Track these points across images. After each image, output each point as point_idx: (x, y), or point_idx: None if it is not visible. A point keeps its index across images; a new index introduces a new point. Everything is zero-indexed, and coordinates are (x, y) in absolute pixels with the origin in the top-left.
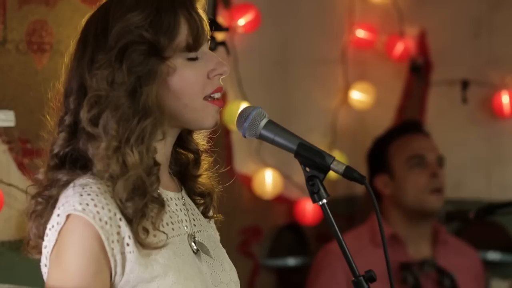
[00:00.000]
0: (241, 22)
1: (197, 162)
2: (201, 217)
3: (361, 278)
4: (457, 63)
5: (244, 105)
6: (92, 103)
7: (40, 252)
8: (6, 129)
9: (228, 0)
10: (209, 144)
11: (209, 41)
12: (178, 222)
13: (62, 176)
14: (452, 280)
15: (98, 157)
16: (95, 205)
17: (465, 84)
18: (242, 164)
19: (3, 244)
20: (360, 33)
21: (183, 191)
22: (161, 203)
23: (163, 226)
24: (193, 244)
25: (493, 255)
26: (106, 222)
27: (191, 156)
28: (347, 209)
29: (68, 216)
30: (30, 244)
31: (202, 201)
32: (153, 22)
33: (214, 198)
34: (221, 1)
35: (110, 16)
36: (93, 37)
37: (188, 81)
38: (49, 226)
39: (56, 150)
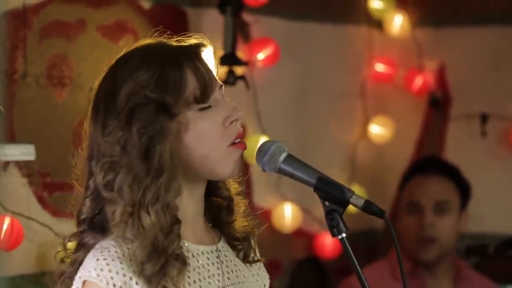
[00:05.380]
0: (261, 56)
1: (230, 209)
2: (240, 267)
3: None
4: (476, 97)
5: (263, 139)
6: (106, 168)
7: None
8: (26, 163)
9: (248, 34)
10: (242, 186)
11: (222, 87)
12: (208, 278)
13: (89, 240)
14: None
15: (114, 223)
16: (110, 270)
17: (484, 118)
18: (261, 197)
19: (23, 278)
20: (379, 67)
21: (221, 242)
22: (182, 261)
23: (189, 284)
24: None
25: None
26: (120, 287)
27: (224, 203)
28: (367, 242)
29: (84, 282)
30: None
31: (240, 246)
32: (159, 80)
33: (254, 241)
34: (241, 35)
35: (117, 78)
36: (103, 100)
37: (204, 133)
38: None
39: (83, 217)
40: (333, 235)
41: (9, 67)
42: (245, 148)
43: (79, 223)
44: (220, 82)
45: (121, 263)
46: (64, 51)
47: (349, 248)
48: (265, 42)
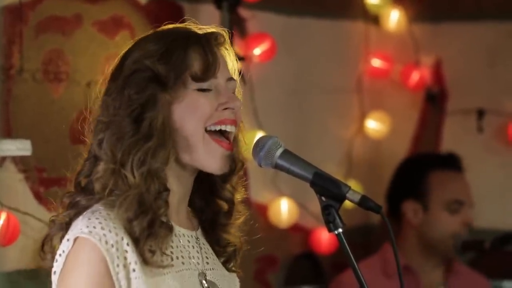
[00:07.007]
0: (257, 51)
1: (229, 212)
2: (215, 257)
3: None
4: (473, 92)
5: (260, 134)
6: (99, 128)
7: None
8: (23, 158)
9: (244, 30)
10: (246, 193)
11: (232, 81)
12: (189, 258)
13: (81, 200)
14: None
15: (96, 176)
16: (102, 228)
17: (480, 113)
18: (258, 193)
19: (19, 273)
20: (376, 63)
21: (199, 230)
22: (168, 228)
23: (172, 259)
24: (204, 282)
25: (509, 284)
26: (112, 245)
27: (224, 205)
28: (363, 238)
29: (75, 239)
30: (46, 264)
31: (224, 252)
32: (163, 54)
33: (239, 254)
34: (237, 31)
35: (131, 47)
36: (117, 67)
37: (192, 109)
38: (59, 251)
39: (79, 179)
40: (330, 230)
41: (5, 63)
42: (228, 148)
43: (76, 185)
44: (233, 77)
45: (113, 223)
46: (60, 47)
47: (346, 244)
48: (261, 37)
